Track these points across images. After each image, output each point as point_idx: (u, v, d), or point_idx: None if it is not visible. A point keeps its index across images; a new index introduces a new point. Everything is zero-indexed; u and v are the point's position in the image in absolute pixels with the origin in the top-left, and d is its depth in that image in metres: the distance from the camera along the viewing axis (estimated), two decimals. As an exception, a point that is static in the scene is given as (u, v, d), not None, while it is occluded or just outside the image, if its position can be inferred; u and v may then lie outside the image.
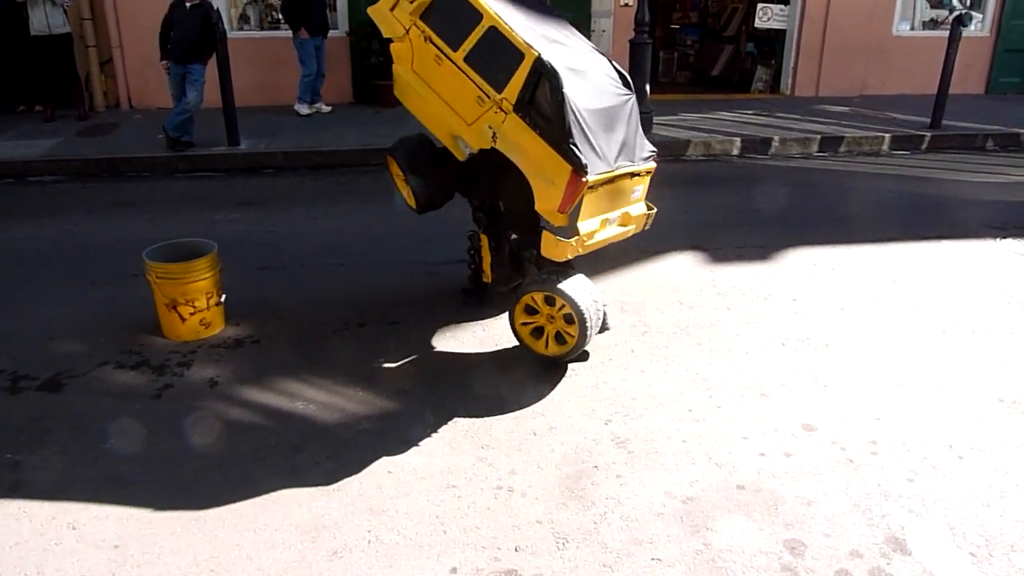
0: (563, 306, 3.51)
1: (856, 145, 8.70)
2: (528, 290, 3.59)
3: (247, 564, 2.45)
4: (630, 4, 9.90)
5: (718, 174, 7.68)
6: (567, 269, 3.66)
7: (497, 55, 3.38)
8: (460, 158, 3.78)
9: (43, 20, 8.40)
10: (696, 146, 8.37)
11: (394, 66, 3.76)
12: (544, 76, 3.26)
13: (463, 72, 3.47)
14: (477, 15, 3.40)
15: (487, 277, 4.15)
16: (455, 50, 3.47)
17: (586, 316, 3.47)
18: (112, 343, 3.87)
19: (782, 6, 10.97)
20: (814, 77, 11.15)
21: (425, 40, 3.55)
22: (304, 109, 9.33)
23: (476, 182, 3.98)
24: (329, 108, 9.51)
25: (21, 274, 4.79)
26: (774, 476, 2.89)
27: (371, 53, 9.49)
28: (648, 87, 8.63)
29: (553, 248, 3.39)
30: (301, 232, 5.66)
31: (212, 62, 7.50)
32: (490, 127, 3.45)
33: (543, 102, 3.30)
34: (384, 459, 2.97)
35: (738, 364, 3.73)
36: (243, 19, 10.17)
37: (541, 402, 3.38)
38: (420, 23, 3.55)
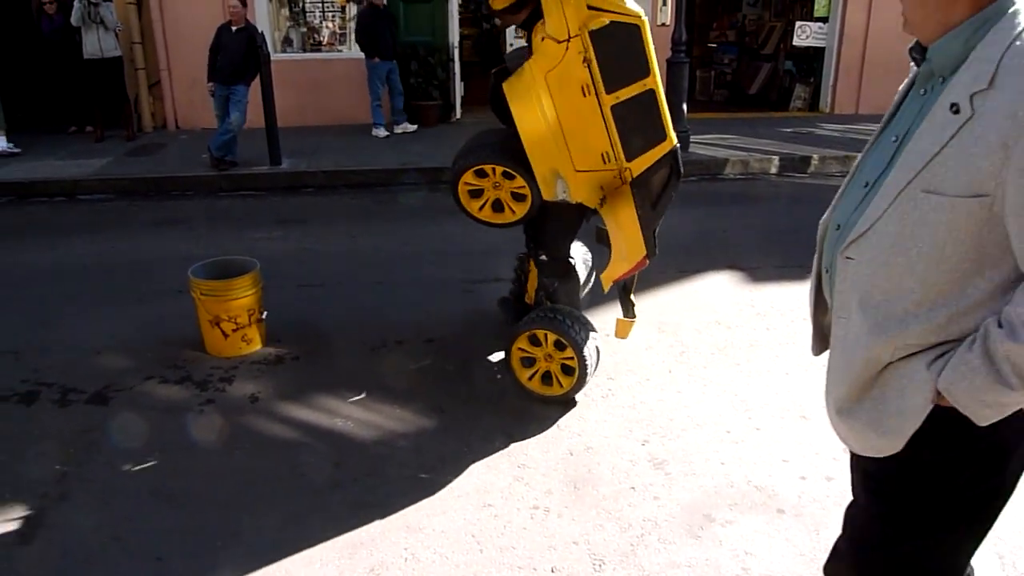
0: (570, 358, 3.41)
1: (898, 163, 8.57)
2: (542, 326, 3.45)
3: (286, 579, 2.47)
4: (667, 24, 9.92)
5: (756, 193, 7.62)
6: (581, 315, 3.59)
7: (643, 122, 3.19)
8: (547, 196, 3.35)
9: (96, 44, 8.71)
10: (734, 164, 8.32)
11: (530, 62, 3.18)
12: (670, 165, 3.28)
13: (604, 119, 3.16)
14: (644, 68, 3.13)
15: (529, 298, 4.10)
16: (607, 92, 3.12)
17: (586, 375, 3.43)
18: (157, 358, 3.95)
19: (821, 24, 10.89)
20: (854, 94, 11.02)
21: (584, 61, 3.08)
22: (381, 132, 9.33)
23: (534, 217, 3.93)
24: (414, 127, 9.51)
25: (70, 290, 4.93)
26: (815, 500, 2.84)
27: (411, 74, 9.63)
28: (685, 106, 8.62)
29: (627, 330, 3.68)
30: (340, 250, 5.74)
31: (256, 83, 7.69)
32: (602, 188, 3.30)
33: (653, 187, 3.32)
34: (421, 477, 2.99)
35: (778, 385, 3.68)
36: (286, 42, 10.41)
37: (578, 422, 3.38)
38: (587, 39, 3.05)
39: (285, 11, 10.48)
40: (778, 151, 8.64)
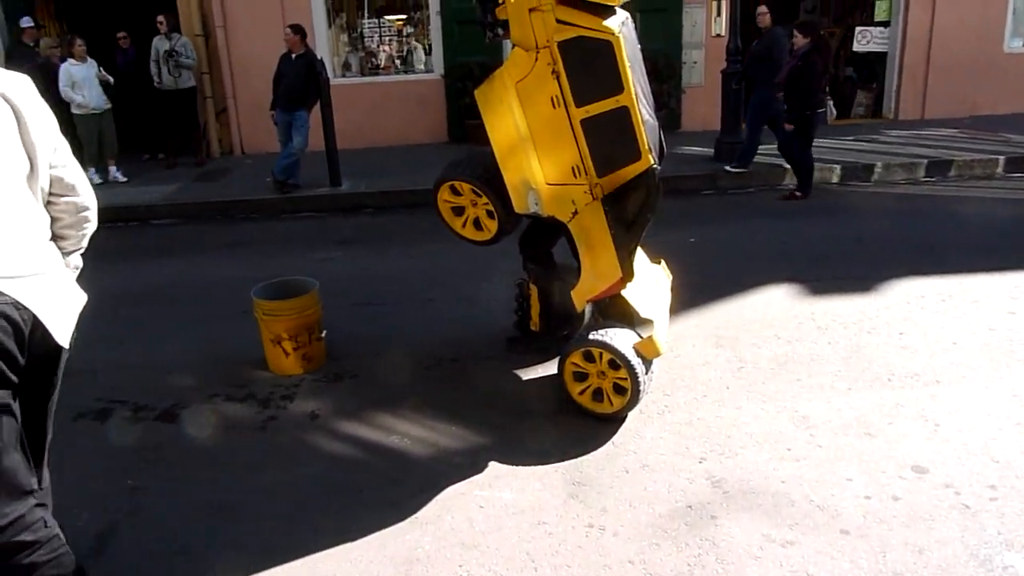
0: (623, 378, 3.34)
1: (967, 169, 8.29)
2: (598, 344, 3.38)
3: (344, 594, 2.51)
4: (722, 34, 9.82)
5: (816, 203, 7.45)
6: (637, 334, 3.50)
7: (615, 139, 3.15)
8: (518, 208, 3.40)
9: (170, 75, 9.19)
10: (792, 174, 8.15)
11: (501, 69, 3.26)
12: (646, 187, 3.21)
13: (573, 132, 3.18)
14: (618, 85, 3.07)
15: (534, 325, 4.05)
16: (577, 105, 3.13)
17: (638, 396, 3.36)
18: (222, 376, 4.08)
19: (882, 28, 10.64)
20: (919, 99, 10.72)
21: (552, 72, 3.11)
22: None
23: (529, 235, 3.91)
24: None
25: (142, 311, 5.14)
26: (881, 521, 2.74)
27: (465, 94, 9.76)
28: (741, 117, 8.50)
29: (655, 349, 3.39)
30: (397, 269, 5.84)
31: (317, 107, 7.90)
32: (573, 203, 3.30)
33: (628, 207, 3.28)
34: (476, 494, 3.00)
35: (840, 401, 3.58)
36: (345, 66, 10.68)
37: (633, 439, 3.35)
38: (556, 51, 3.09)
39: (344, 37, 10.77)
40: (840, 159, 8.45)
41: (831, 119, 7.40)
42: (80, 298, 2.06)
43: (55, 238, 2.08)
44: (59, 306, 1.97)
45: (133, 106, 9.66)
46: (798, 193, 7.49)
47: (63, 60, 8.54)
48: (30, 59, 9.01)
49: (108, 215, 7.63)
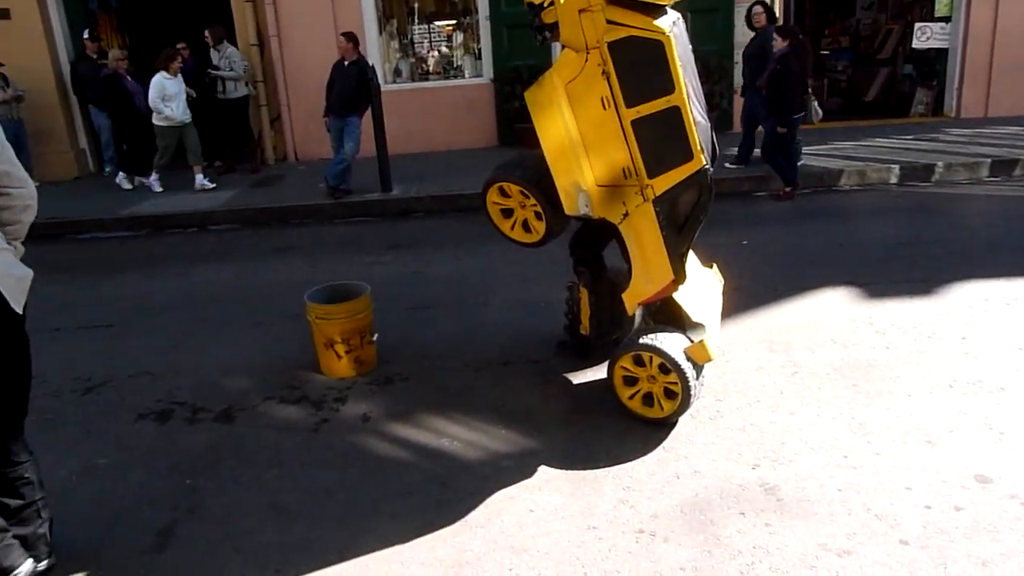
0: (674, 382, 3.32)
1: (1034, 168, 7.98)
2: (648, 348, 3.35)
3: (395, 595, 2.54)
4: (775, 34, 9.65)
5: (874, 204, 7.27)
6: (687, 337, 3.46)
7: (666, 139, 3.12)
8: (569, 211, 3.40)
9: (222, 85, 9.43)
10: (849, 175, 7.97)
11: (551, 71, 3.26)
12: (698, 188, 3.19)
13: (624, 133, 3.16)
14: (669, 85, 3.04)
15: (584, 329, 4.01)
16: (628, 106, 3.11)
17: (689, 400, 3.32)
18: (276, 379, 4.17)
19: (943, 24, 10.33)
20: (982, 97, 10.36)
21: (602, 73, 3.10)
22: None
23: (579, 237, 3.89)
24: None
25: (200, 314, 5.28)
26: (942, 532, 2.66)
27: (514, 98, 9.80)
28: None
29: (706, 353, 3.33)
30: (448, 273, 5.88)
31: (368, 114, 8.01)
32: (624, 204, 3.29)
33: (680, 208, 3.26)
34: (526, 497, 3.00)
35: (899, 408, 3.49)
36: (396, 72, 10.82)
37: (685, 444, 3.31)
38: (607, 52, 3.07)
39: (395, 43, 10.91)
40: (899, 159, 8.23)
41: (817, 120, 7.40)
42: (28, 273, 2.35)
43: (3, 224, 2.40)
44: (12, 277, 2.24)
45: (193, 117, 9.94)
46: (787, 189, 7.36)
47: (130, 72, 8.83)
48: (95, 70, 9.37)
49: (169, 222, 7.97)
